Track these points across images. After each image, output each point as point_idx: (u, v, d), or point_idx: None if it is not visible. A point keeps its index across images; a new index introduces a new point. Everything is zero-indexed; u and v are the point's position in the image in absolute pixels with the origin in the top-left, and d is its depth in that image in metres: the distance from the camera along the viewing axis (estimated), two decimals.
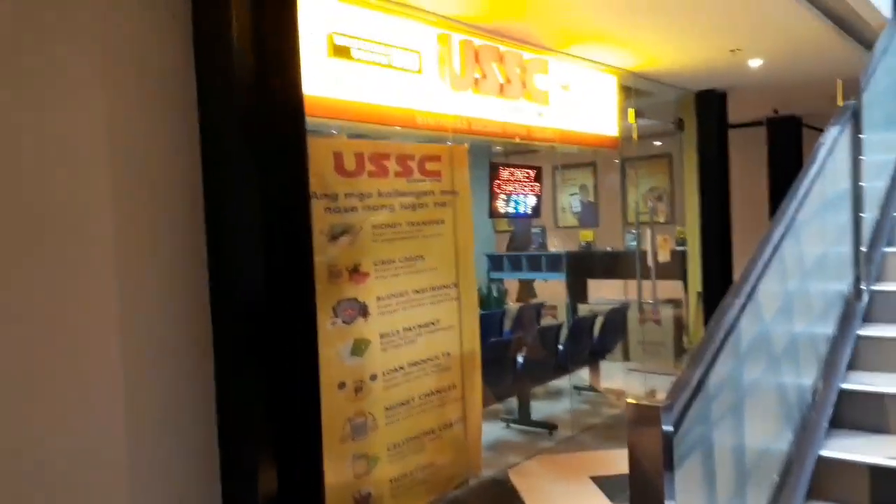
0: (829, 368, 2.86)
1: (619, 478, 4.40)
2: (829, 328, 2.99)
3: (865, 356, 3.05)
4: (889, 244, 3.65)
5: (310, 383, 2.58)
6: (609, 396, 6.59)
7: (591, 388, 6.65)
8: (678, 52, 5.50)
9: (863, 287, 3.29)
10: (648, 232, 7.22)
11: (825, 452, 2.59)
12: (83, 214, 2.17)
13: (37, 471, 2.06)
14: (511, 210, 5.11)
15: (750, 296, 2.07)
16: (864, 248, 3.36)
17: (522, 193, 5.11)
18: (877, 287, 3.40)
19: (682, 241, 8.22)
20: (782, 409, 2.47)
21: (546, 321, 7.37)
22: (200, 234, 2.48)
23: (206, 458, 2.48)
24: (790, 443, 2.46)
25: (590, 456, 4.98)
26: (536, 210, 5.39)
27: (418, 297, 3.89)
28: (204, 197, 2.47)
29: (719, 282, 7.55)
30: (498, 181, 4.88)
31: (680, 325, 7.94)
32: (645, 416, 1.58)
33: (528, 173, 5.11)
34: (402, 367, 3.78)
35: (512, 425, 5.65)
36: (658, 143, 9.06)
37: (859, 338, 3.10)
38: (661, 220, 8.73)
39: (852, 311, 3.18)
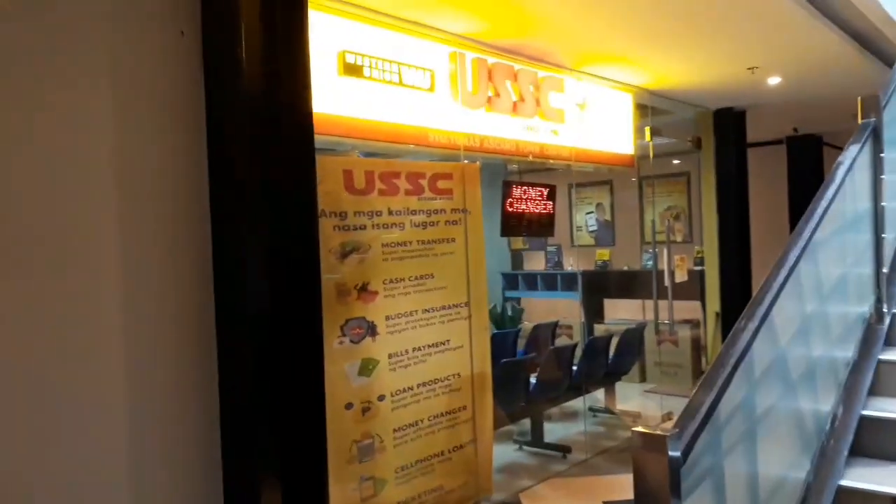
0: (848, 394, 2.76)
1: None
2: (848, 352, 2.90)
3: (887, 381, 2.95)
4: None
5: (315, 403, 2.54)
6: (624, 418, 6.47)
7: (607, 410, 6.54)
8: (695, 70, 5.45)
9: (884, 309, 3.20)
10: (665, 251, 7.12)
11: (845, 482, 2.49)
12: (88, 230, 2.16)
13: (34, 489, 2.03)
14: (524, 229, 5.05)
15: (764, 319, 2.00)
16: (885, 270, 3.26)
17: (535, 212, 5.06)
18: None
19: (700, 261, 8.11)
20: (799, 437, 2.38)
21: (561, 341, 7.29)
22: (207, 252, 2.46)
23: (208, 479, 2.44)
24: (808, 472, 2.37)
25: (603, 481, 4.87)
26: (550, 229, 5.33)
27: (428, 317, 3.84)
28: (211, 214, 2.45)
29: (738, 302, 7.42)
30: (510, 199, 4.83)
31: (698, 346, 7.82)
32: (651, 445, 1.52)
33: (541, 191, 5.06)
34: (410, 388, 3.72)
35: (524, 447, 5.55)
36: (676, 162, 8.98)
37: (881, 362, 3.00)
38: (679, 239, 8.62)
39: (873, 334, 3.08)
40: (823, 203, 2.54)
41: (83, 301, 2.17)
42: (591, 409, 6.37)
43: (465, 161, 4.33)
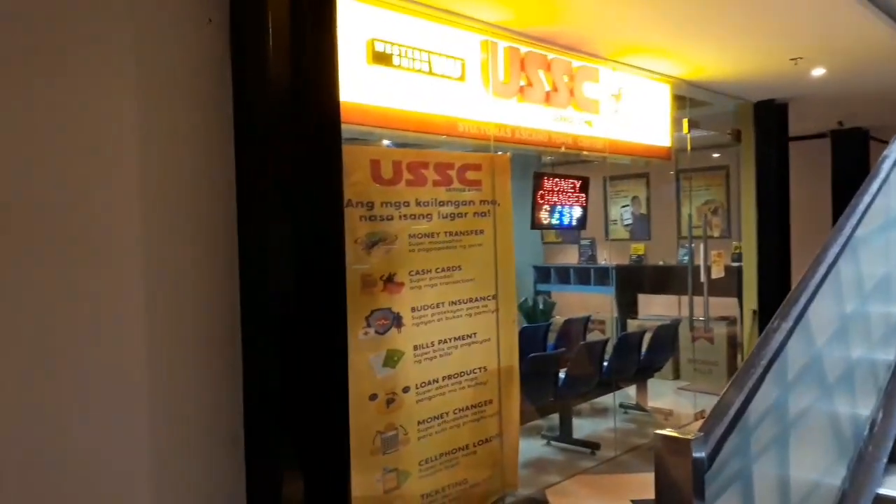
0: (889, 399, 2.64)
1: None
2: (890, 355, 2.77)
3: None
4: None
5: (339, 394, 2.52)
6: (656, 416, 6.36)
7: (638, 407, 6.42)
8: (735, 60, 5.29)
9: None
10: (702, 246, 6.96)
11: (884, 490, 2.38)
12: (112, 223, 2.16)
13: (53, 478, 2.04)
14: (555, 221, 4.97)
15: (799, 319, 1.91)
16: None
17: (567, 204, 4.98)
18: None
19: (737, 257, 7.91)
20: (835, 442, 2.28)
21: (593, 336, 7.18)
22: (233, 242, 2.44)
23: (230, 469, 2.44)
24: (843, 479, 2.27)
25: (632, 478, 4.78)
26: (582, 222, 5.23)
27: (455, 309, 3.80)
28: (237, 203, 2.44)
29: (776, 300, 7.20)
30: (541, 191, 4.76)
31: (734, 344, 7.64)
32: (675, 449, 1.45)
33: (573, 184, 4.97)
34: (436, 381, 3.69)
35: (552, 443, 5.48)
36: (716, 155, 8.76)
37: None
38: (716, 234, 8.42)
39: None
40: (867, 198, 2.43)
41: (108, 292, 2.17)
42: (621, 405, 6.27)
43: (496, 152, 4.27)
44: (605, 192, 9.13)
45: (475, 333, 3.92)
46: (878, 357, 2.66)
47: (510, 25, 4.36)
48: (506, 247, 4.10)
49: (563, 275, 8.58)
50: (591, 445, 5.36)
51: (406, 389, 3.54)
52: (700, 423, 4.80)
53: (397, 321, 3.51)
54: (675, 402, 6.80)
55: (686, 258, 8.24)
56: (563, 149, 4.86)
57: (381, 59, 3.73)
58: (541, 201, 4.72)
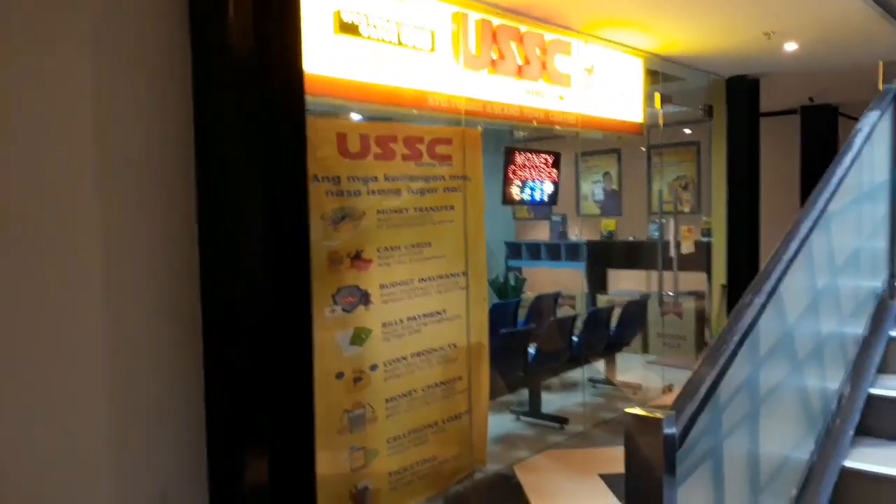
0: (857, 372, 2.65)
1: None
2: (859, 329, 2.78)
3: None
4: None
5: (303, 372, 2.46)
6: (625, 390, 6.40)
7: (607, 381, 6.46)
8: (709, 34, 5.25)
9: None
10: (672, 222, 6.98)
11: (849, 463, 2.39)
12: (66, 200, 2.06)
13: (15, 467, 1.96)
14: (526, 197, 4.92)
15: (771, 294, 1.88)
16: None
17: (539, 180, 4.92)
18: None
19: (707, 232, 7.96)
20: (805, 417, 2.28)
21: (563, 311, 7.19)
22: (192, 217, 2.35)
23: (192, 447, 2.37)
24: (811, 452, 2.27)
25: (601, 453, 4.81)
26: (553, 197, 5.19)
27: (424, 286, 3.74)
28: (196, 177, 2.34)
29: (745, 275, 7.29)
30: (513, 167, 4.69)
31: (702, 319, 7.72)
32: (645, 429, 1.41)
33: (545, 159, 4.91)
34: (404, 358, 3.63)
35: (521, 418, 5.49)
36: (687, 131, 8.77)
37: (892, 339, 2.89)
38: (687, 210, 8.46)
39: (885, 310, 2.96)
40: (839, 172, 2.40)
41: (62, 267, 2.08)
42: (591, 380, 6.30)
43: (466, 126, 4.19)
44: (576, 168, 9.11)
45: (445, 310, 3.86)
46: (847, 331, 2.66)
47: None
48: (477, 223, 4.04)
49: (535, 251, 8.56)
50: (560, 420, 5.37)
51: (374, 367, 3.48)
52: (669, 396, 4.83)
53: (365, 298, 3.44)
54: (643, 377, 6.85)
55: (656, 234, 8.28)
56: (535, 123, 4.79)
57: (348, 28, 3.61)
58: (512, 177, 4.66)
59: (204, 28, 2.29)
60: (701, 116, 7.49)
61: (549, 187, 5.04)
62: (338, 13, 3.58)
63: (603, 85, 5.42)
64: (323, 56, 3.55)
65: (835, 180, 2.39)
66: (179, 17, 2.29)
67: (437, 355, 3.82)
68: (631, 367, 6.95)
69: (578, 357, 5.69)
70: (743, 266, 7.27)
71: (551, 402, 5.74)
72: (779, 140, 8.46)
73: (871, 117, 2.78)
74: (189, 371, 2.33)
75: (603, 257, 8.24)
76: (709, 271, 7.56)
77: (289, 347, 2.42)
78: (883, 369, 2.80)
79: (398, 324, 3.61)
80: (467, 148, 3.99)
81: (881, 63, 2.96)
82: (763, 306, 1.84)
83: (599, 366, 6.39)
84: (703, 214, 8.33)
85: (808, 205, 2.26)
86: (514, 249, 8.59)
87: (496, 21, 4.45)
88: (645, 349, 7.67)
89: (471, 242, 4.01)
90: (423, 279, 3.73)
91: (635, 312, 6.43)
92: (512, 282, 7.96)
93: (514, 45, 4.58)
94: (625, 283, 8.54)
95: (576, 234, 8.97)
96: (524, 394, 5.53)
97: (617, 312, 6.13)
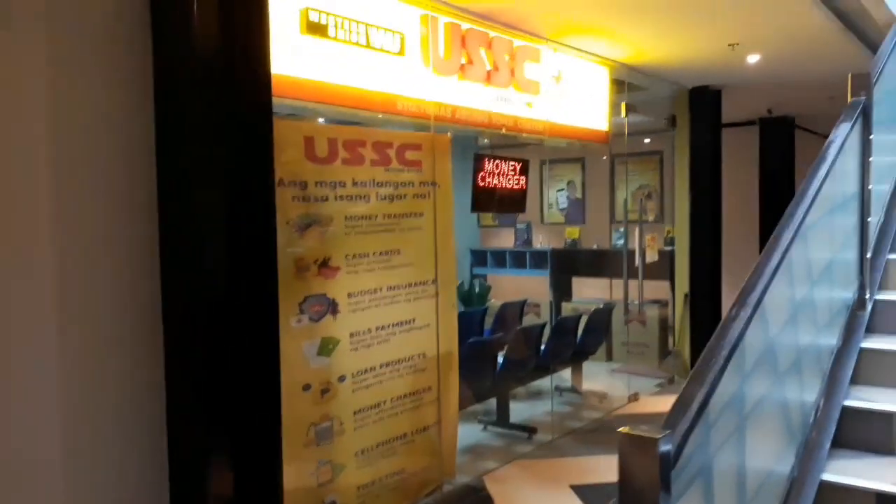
0: (831, 383, 2.65)
1: (600, 487, 4.19)
2: (832, 339, 2.79)
3: (868, 370, 2.86)
4: (893, 251, 3.46)
5: (269, 384, 2.36)
6: (591, 398, 6.39)
7: (573, 390, 6.44)
8: (675, 44, 5.28)
9: (867, 296, 3.09)
10: (637, 231, 7.01)
11: (827, 476, 2.38)
12: (19, 199, 1.93)
13: None
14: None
15: (756, 306, 1.85)
16: (868, 255, 3.15)
17: (508, 188, 4.88)
18: (880, 296, 3.20)
19: (669, 241, 8.03)
20: (785, 429, 2.25)
21: (528, 319, 7.16)
22: (153, 221, 2.24)
23: (153, 460, 2.26)
24: (792, 466, 2.25)
25: (570, 462, 4.77)
26: (522, 205, 5.15)
27: (393, 294, 3.65)
28: (157, 180, 2.22)
29: (707, 283, 7.37)
30: (482, 174, 4.64)
31: (665, 327, 7.77)
32: (640, 448, 1.35)
33: (514, 166, 4.87)
34: (373, 369, 3.54)
35: (489, 427, 5.42)
36: (647, 140, 8.85)
37: (863, 350, 2.90)
38: (651, 218, 8.53)
39: (856, 321, 2.98)
40: (816, 183, 2.39)
41: (15, 274, 1.95)
42: (557, 388, 6.27)
43: (435, 132, 4.12)
44: (541, 176, 9.12)
45: (414, 319, 3.78)
46: (822, 342, 2.66)
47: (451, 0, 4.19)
48: (446, 230, 3.97)
49: (500, 258, 8.53)
50: (528, 430, 5.32)
51: (342, 378, 3.38)
52: (635, 405, 4.80)
53: (332, 307, 3.34)
54: (608, 384, 6.85)
55: (620, 242, 8.32)
56: (504, 130, 4.74)
57: (316, 29, 3.51)
58: (481, 184, 4.60)
59: (166, 25, 2.18)
60: (664, 126, 7.56)
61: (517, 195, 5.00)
62: (304, 12, 3.47)
63: (570, 93, 5.41)
64: (289, 56, 3.44)
65: (811, 191, 2.38)
66: (140, 14, 2.18)
67: (407, 365, 3.73)
68: (596, 375, 6.95)
69: (546, 366, 5.66)
70: (705, 275, 7.34)
71: (518, 411, 5.69)
72: (738, 151, 8.59)
73: (843, 129, 2.80)
74: (150, 382, 2.22)
75: (567, 265, 8.25)
76: (672, 279, 7.62)
77: (255, 358, 2.33)
78: (855, 380, 2.81)
79: (366, 333, 3.51)
80: (437, 154, 3.92)
81: (850, 76, 2.98)
82: (749, 319, 1.80)
83: (565, 374, 6.37)
84: (665, 223, 8.41)
85: (787, 216, 2.24)
86: (479, 257, 8.55)
87: (465, 25, 4.40)
88: (609, 357, 7.69)
89: (440, 250, 3.94)
90: (391, 287, 3.64)
91: (601, 321, 6.44)
92: (477, 289, 7.91)
93: (483, 50, 4.53)
94: (588, 291, 8.57)
95: (540, 241, 8.98)
96: (491, 403, 5.46)
97: (583, 321, 6.12)
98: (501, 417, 5.41)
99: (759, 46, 5.37)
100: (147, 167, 2.19)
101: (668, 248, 7.73)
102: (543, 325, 5.61)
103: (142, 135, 2.16)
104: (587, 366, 6.58)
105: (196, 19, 2.16)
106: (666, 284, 7.76)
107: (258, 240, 2.35)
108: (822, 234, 2.62)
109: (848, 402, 2.64)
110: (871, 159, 3.10)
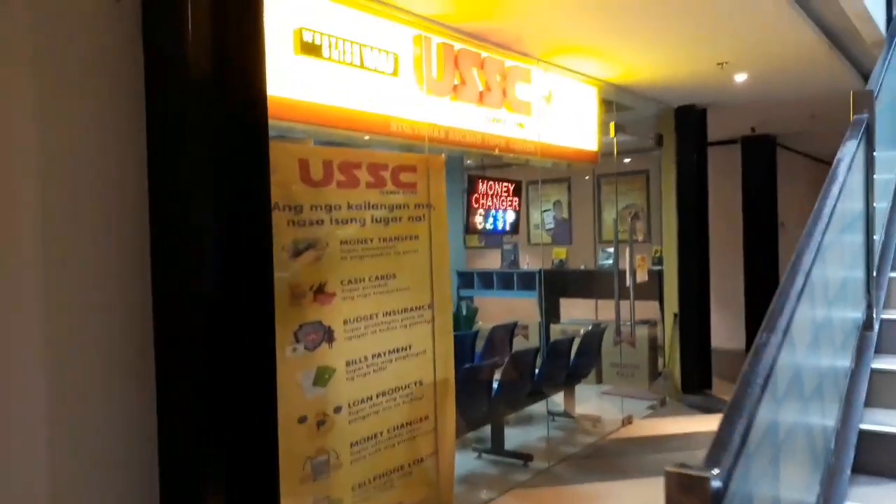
0: (848, 407, 2.58)
1: None
2: (847, 361, 2.73)
3: (881, 391, 2.80)
4: (894, 268, 3.43)
5: (266, 417, 2.23)
6: (584, 423, 6.28)
7: (566, 414, 6.34)
8: (666, 62, 5.28)
9: (874, 315, 3.04)
10: (628, 251, 6.97)
11: None
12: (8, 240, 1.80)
13: None
14: (489, 226, 4.79)
15: (786, 331, 1.77)
16: (874, 273, 3.11)
17: (501, 209, 4.81)
18: (885, 315, 3.16)
19: (657, 261, 8.01)
20: (810, 456, 2.17)
21: (517, 342, 7.06)
22: (145, 244, 2.12)
23: (144, 497, 2.12)
24: (817, 495, 2.17)
25: (569, 491, 4.65)
26: (515, 226, 5.09)
27: (389, 320, 3.54)
28: (150, 203, 2.11)
29: (696, 302, 7.35)
30: (476, 195, 4.56)
31: (654, 347, 7.71)
32: (688, 487, 1.26)
33: (507, 187, 4.81)
34: (370, 398, 3.41)
35: (484, 455, 5.29)
36: (627, 160, 8.85)
37: (873, 371, 2.84)
38: (640, 238, 8.52)
39: (865, 341, 2.92)
40: (830, 202, 2.34)
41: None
42: (549, 412, 6.16)
43: (429, 153, 4.04)
44: (527, 197, 9.08)
45: (410, 345, 3.67)
46: (839, 364, 2.59)
47: (443, 19, 4.15)
48: (441, 253, 3.88)
49: (487, 280, 8.44)
50: (524, 457, 5.20)
51: (338, 409, 3.25)
52: (630, 428, 4.70)
53: (328, 335, 3.22)
54: (600, 408, 6.77)
55: (605, 262, 8.28)
56: (497, 151, 4.68)
57: (310, 49, 3.43)
58: (475, 205, 4.53)
59: (158, 47, 2.09)
60: (650, 145, 7.57)
61: (510, 216, 4.94)
62: (298, 32, 3.39)
63: (561, 113, 5.38)
64: (282, 77, 3.36)
65: (827, 210, 2.33)
66: (132, 32, 2.08)
67: (403, 394, 3.61)
68: (587, 398, 6.86)
69: (540, 390, 5.55)
70: (694, 294, 7.32)
71: (512, 437, 5.57)
72: (722, 169, 8.62)
73: (849, 146, 2.76)
74: (141, 416, 2.09)
75: (555, 286, 8.18)
76: (661, 299, 7.58)
77: (250, 390, 2.21)
78: (869, 402, 2.75)
79: (362, 361, 3.39)
80: (431, 175, 3.84)
81: (852, 93, 2.96)
82: (780, 345, 1.73)
83: (558, 398, 6.26)
84: (654, 243, 8.39)
85: (806, 237, 2.18)
86: (465, 279, 8.45)
87: (458, 46, 4.35)
88: (599, 379, 7.60)
89: (436, 273, 3.84)
90: (387, 313, 3.53)
91: (593, 343, 6.36)
92: (464, 311, 7.80)
93: (475, 70, 4.49)
94: (576, 312, 8.50)
95: (527, 262, 8.91)
96: (485, 430, 5.34)
97: (576, 343, 6.03)
98: (496, 445, 5.29)
99: (748, 65, 5.39)
100: (140, 194, 2.09)
101: (657, 268, 7.71)
102: (537, 349, 5.51)
103: (135, 162, 2.06)
104: (578, 389, 6.49)
105: (190, 43, 2.07)
106: (654, 304, 7.72)
107: (255, 267, 2.24)
108: (835, 253, 2.57)
109: (864, 426, 2.58)
110: (875, 177, 3.07)
